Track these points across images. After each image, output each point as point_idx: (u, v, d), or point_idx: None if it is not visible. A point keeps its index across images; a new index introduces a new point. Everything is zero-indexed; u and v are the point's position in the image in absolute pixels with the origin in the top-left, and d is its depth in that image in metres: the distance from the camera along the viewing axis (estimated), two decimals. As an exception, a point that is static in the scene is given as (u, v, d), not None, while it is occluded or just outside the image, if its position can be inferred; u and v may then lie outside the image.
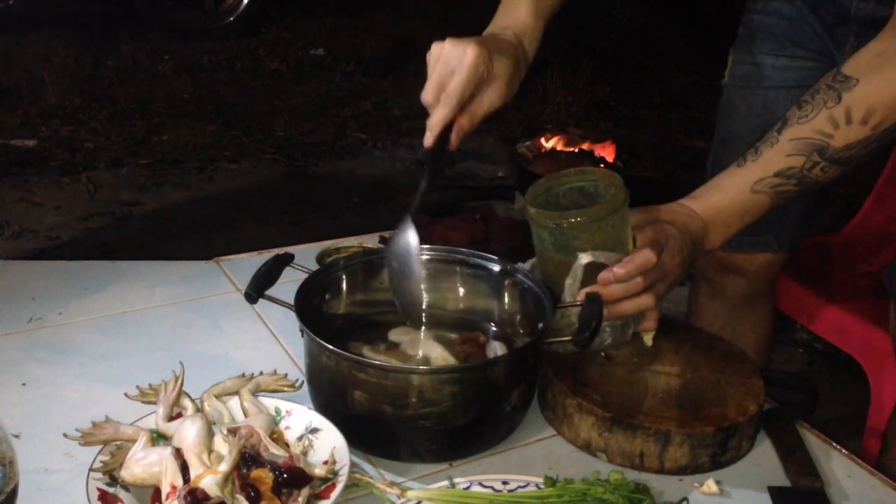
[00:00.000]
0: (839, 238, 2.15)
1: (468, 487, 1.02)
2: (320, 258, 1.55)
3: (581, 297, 1.13)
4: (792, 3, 1.48)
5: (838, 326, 1.88)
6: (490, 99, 1.15)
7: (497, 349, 1.22)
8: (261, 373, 1.17)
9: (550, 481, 1.02)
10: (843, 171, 1.18)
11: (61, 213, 3.45)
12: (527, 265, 1.25)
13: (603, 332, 1.18)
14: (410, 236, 1.12)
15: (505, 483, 1.02)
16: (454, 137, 1.14)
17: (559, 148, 3.44)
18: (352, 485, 1.01)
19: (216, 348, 1.33)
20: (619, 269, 1.10)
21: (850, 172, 1.19)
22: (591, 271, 1.13)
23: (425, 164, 1.14)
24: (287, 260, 1.22)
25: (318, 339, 1.07)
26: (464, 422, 1.07)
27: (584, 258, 1.13)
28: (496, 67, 1.14)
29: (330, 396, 1.11)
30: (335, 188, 3.89)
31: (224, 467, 0.91)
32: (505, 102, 1.17)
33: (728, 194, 1.20)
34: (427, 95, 1.13)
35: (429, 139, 1.13)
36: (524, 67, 1.21)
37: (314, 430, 1.05)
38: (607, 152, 3.42)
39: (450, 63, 1.12)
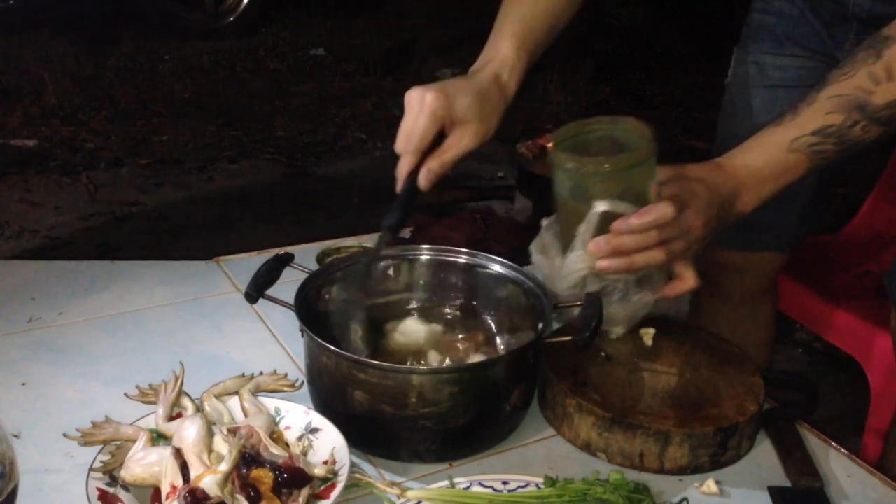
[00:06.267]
0: (839, 238, 2.15)
1: (468, 487, 1.02)
2: (320, 258, 1.55)
3: (592, 246, 1.08)
4: (792, 2, 1.48)
5: (838, 326, 1.88)
6: (461, 141, 1.15)
7: (497, 349, 1.22)
8: (261, 373, 1.17)
9: (550, 481, 1.02)
10: (885, 132, 1.13)
11: (61, 213, 3.45)
12: (546, 225, 1.20)
13: (613, 290, 1.14)
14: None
15: (505, 483, 1.02)
16: (422, 180, 1.15)
17: (559, 148, 3.43)
18: (352, 485, 1.01)
19: (216, 348, 1.33)
20: (634, 220, 1.06)
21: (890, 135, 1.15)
22: (606, 222, 1.08)
23: (394, 208, 1.17)
24: (287, 260, 1.22)
25: (318, 339, 1.07)
26: (464, 422, 1.07)
27: (601, 206, 1.08)
28: (462, 110, 1.14)
29: (330, 396, 1.11)
30: (335, 188, 3.89)
31: (224, 467, 0.91)
32: (482, 141, 1.17)
33: (764, 153, 1.15)
34: (397, 143, 1.16)
35: (399, 185, 1.15)
36: (502, 103, 1.20)
37: (314, 430, 1.05)
38: (607, 152, 3.41)
39: (413, 110, 1.14)
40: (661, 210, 1.06)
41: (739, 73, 1.59)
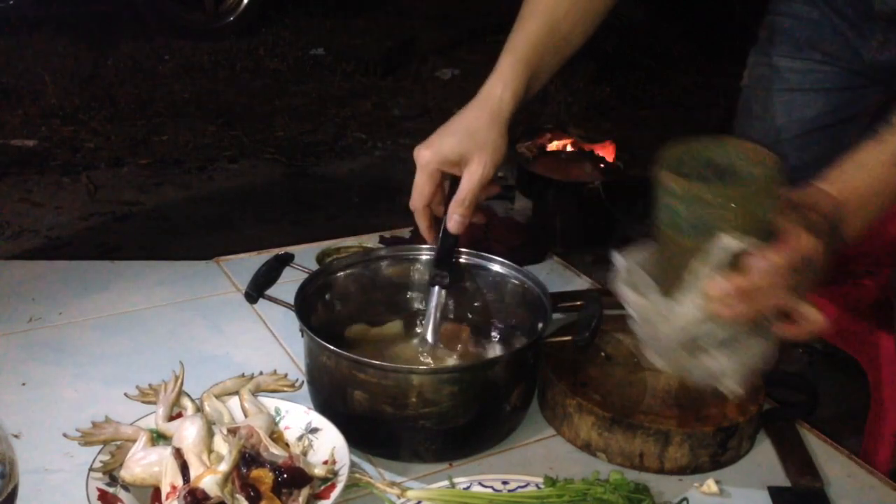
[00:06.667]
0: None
1: (468, 487, 1.02)
2: (320, 258, 1.55)
3: (714, 289, 0.92)
4: (813, 4, 1.47)
5: (838, 326, 1.88)
6: (470, 177, 1.14)
7: (498, 349, 1.22)
8: (261, 373, 1.17)
9: (550, 481, 1.02)
10: None
11: (61, 213, 3.44)
12: (631, 258, 1.02)
13: (724, 337, 0.98)
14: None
15: (505, 483, 1.02)
16: (450, 226, 1.17)
17: (559, 148, 3.44)
18: (352, 485, 1.01)
19: (216, 348, 1.33)
20: (775, 257, 0.91)
21: None
22: (728, 259, 0.92)
23: (436, 268, 1.20)
24: (287, 260, 1.22)
25: (318, 339, 1.07)
26: (464, 422, 1.07)
27: (733, 243, 0.90)
28: (453, 153, 1.14)
29: (330, 396, 1.11)
30: (335, 188, 3.89)
31: (224, 467, 0.91)
32: (492, 166, 1.15)
33: (867, 171, 1.03)
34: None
35: (430, 238, 1.20)
36: (496, 122, 1.17)
37: (314, 430, 1.05)
38: (607, 152, 3.42)
39: (417, 167, 1.17)
40: (807, 245, 0.92)
41: (755, 76, 1.58)
